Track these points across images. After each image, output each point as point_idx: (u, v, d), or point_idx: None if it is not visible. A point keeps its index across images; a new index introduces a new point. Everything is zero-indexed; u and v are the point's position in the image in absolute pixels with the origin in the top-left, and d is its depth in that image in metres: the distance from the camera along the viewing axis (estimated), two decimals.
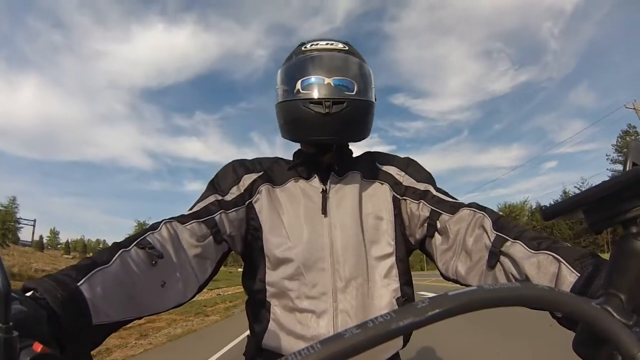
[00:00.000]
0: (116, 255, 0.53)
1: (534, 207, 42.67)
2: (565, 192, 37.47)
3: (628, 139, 31.76)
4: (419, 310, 0.19)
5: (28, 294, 0.41)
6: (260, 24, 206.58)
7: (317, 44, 0.79)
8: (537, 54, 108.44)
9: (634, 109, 25.81)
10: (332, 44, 0.79)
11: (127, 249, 0.56)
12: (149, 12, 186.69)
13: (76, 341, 0.42)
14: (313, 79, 0.74)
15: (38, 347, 0.30)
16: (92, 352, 0.48)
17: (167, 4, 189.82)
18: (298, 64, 0.77)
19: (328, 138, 0.74)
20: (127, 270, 0.53)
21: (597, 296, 0.29)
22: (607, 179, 0.28)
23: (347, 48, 0.79)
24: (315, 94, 0.73)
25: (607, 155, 34.81)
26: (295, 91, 0.75)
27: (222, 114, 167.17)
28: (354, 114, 0.74)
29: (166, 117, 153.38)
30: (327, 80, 0.74)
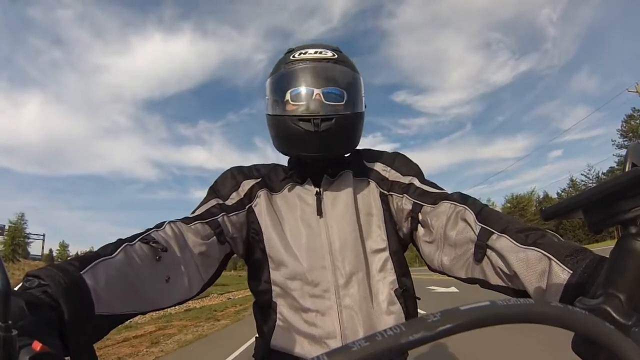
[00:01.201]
0: (120, 248, 0.53)
1: (541, 197, 42.24)
2: (572, 180, 37.02)
3: (633, 122, 31.34)
4: (430, 324, 0.19)
5: (32, 282, 0.41)
6: (258, 28, 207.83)
7: (305, 53, 0.77)
8: (536, 42, 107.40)
9: (637, 92, 25.51)
10: (321, 52, 0.77)
11: (131, 243, 0.56)
12: (146, 22, 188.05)
13: (79, 331, 0.42)
14: (302, 90, 0.74)
15: (37, 346, 0.30)
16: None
17: (164, 13, 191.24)
18: (286, 74, 0.77)
19: (317, 155, 0.75)
20: (131, 262, 0.54)
21: (596, 296, 0.29)
22: (607, 179, 0.28)
23: (336, 56, 0.77)
24: (304, 109, 0.72)
25: (612, 141, 34.25)
26: (284, 101, 0.75)
27: (225, 121, 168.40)
28: (343, 130, 0.75)
29: (169, 127, 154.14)
30: (316, 92, 0.73)
